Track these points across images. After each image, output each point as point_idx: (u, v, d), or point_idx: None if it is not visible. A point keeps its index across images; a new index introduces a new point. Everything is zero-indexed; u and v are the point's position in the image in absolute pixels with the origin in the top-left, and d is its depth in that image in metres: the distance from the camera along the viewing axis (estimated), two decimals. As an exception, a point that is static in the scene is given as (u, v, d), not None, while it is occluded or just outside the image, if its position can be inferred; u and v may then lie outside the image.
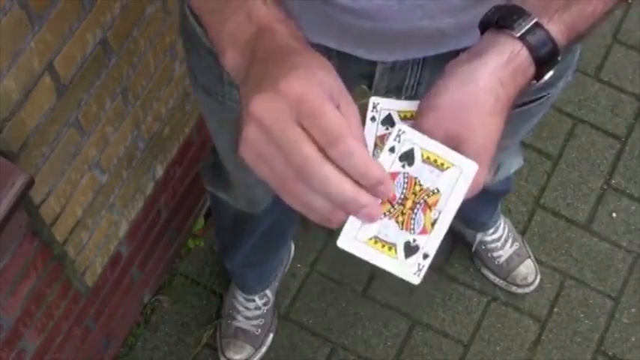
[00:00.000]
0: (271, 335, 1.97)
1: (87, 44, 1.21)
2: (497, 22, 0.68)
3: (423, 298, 2.02)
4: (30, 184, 1.10)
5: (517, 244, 2.04)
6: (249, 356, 1.95)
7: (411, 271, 0.66)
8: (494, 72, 0.67)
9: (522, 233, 2.09)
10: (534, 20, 0.68)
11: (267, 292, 1.95)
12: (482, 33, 0.72)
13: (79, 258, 1.50)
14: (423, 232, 0.66)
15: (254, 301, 1.93)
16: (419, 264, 0.66)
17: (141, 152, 1.55)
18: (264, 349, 1.97)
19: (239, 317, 1.95)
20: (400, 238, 0.66)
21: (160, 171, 1.68)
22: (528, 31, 0.67)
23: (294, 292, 2.02)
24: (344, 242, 0.65)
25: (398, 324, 2.00)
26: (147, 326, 1.98)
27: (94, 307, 1.67)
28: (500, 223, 2.02)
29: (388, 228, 0.66)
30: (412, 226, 0.66)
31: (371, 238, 0.66)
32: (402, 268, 0.66)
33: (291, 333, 1.99)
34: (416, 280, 0.67)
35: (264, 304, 1.94)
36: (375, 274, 2.03)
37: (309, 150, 0.59)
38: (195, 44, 1.05)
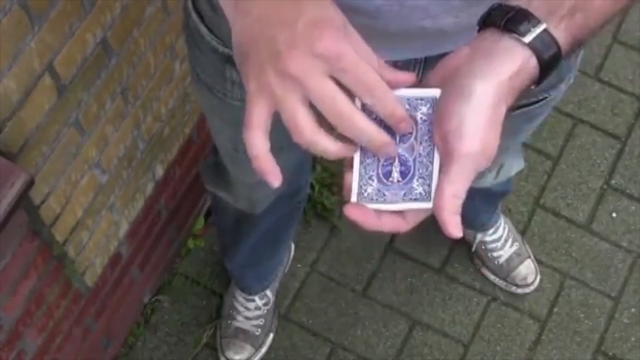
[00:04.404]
0: (271, 335, 1.97)
1: (87, 44, 1.21)
2: (506, 24, 0.67)
3: (423, 298, 2.02)
4: (30, 184, 1.10)
5: (517, 244, 2.04)
6: (249, 356, 1.95)
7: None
8: (502, 84, 0.66)
9: (522, 233, 2.09)
10: (543, 27, 0.67)
11: (267, 292, 1.95)
12: (480, 29, 0.71)
13: (79, 258, 1.50)
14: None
15: (254, 301, 1.93)
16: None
17: (141, 152, 1.55)
18: (264, 349, 1.97)
19: (239, 317, 1.95)
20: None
21: (160, 171, 1.68)
22: (537, 37, 0.67)
23: (294, 292, 2.02)
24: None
25: (398, 324, 2.00)
26: (147, 326, 1.98)
27: (94, 307, 1.67)
28: (500, 224, 2.02)
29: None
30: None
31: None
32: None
33: (291, 333, 1.99)
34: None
35: (264, 304, 1.94)
36: (375, 274, 2.03)
37: (344, 103, 0.66)
38: (198, 41, 1.05)
